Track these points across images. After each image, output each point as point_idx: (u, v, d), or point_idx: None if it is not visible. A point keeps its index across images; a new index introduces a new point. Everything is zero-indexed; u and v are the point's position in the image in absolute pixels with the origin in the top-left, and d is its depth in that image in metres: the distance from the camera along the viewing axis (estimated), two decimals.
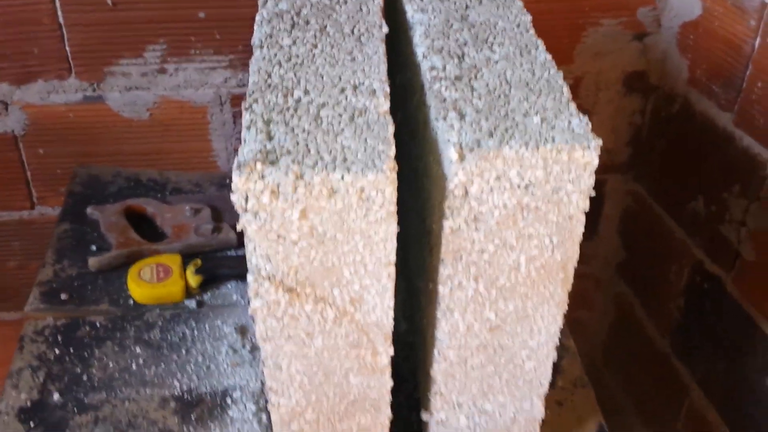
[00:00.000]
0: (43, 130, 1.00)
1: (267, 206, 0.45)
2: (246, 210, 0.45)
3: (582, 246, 1.33)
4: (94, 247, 0.87)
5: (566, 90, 0.50)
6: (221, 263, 0.84)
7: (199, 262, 0.83)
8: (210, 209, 0.90)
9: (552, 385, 0.73)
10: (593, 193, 0.47)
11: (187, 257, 0.84)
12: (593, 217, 1.20)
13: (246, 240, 0.47)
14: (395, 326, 0.78)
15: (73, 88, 0.98)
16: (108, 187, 0.96)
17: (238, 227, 0.46)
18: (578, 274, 1.34)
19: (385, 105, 0.49)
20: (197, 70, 0.97)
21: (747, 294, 0.91)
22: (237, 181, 0.43)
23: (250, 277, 0.49)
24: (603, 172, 1.15)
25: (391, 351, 0.56)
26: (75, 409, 0.70)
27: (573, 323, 1.30)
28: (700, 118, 0.96)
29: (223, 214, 0.90)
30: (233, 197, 0.44)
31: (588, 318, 1.31)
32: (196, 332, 0.78)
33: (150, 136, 1.01)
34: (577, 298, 1.28)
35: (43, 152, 1.02)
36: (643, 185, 1.13)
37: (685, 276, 1.03)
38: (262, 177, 0.43)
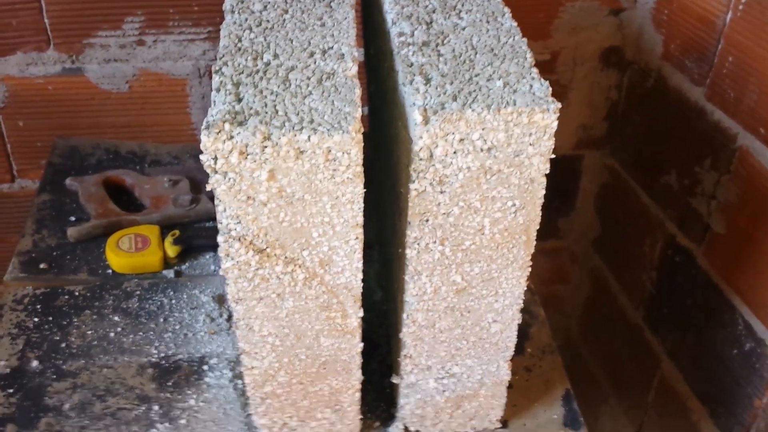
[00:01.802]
0: (23, 103, 1.00)
1: (235, 166, 0.46)
2: (215, 170, 0.46)
3: (559, 221, 1.36)
4: (73, 218, 0.88)
5: (529, 55, 0.51)
6: (199, 234, 0.85)
7: (177, 232, 0.84)
8: (188, 181, 0.90)
9: (521, 351, 0.75)
10: (553, 156, 0.48)
11: (165, 228, 0.85)
12: (570, 192, 1.21)
13: (216, 201, 0.48)
14: (371, 295, 0.80)
15: (52, 60, 0.98)
16: (87, 158, 0.97)
17: (208, 187, 0.47)
18: (555, 249, 1.37)
19: (353, 69, 0.50)
20: (176, 42, 0.97)
21: (716, 266, 0.93)
22: (205, 141, 0.44)
23: (220, 238, 0.50)
24: (580, 147, 1.16)
25: (360, 313, 0.57)
26: (54, 375, 0.71)
27: (549, 297, 1.32)
28: (674, 93, 0.98)
29: (202, 185, 0.91)
30: (202, 158, 0.45)
31: (564, 292, 1.33)
32: (173, 301, 0.79)
33: (129, 108, 1.02)
34: (554, 272, 1.31)
35: (23, 125, 1.02)
36: (618, 160, 1.15)
37: (658, 249, 1.05)
38: (231, 137, 0.44)
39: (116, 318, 0.77)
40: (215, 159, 0.45)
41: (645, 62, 1.04)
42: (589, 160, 1.18)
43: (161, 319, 0.77)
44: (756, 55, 0.82)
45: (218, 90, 0.47)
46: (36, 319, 0.77)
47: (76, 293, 0.79)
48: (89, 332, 0.76)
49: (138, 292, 0.80)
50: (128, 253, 0.81)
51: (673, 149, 1.00)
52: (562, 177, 1.19)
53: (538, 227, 0.53)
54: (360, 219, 0.50)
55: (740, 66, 0.85)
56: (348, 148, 0.46)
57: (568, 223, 1.25)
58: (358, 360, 0.61)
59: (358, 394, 0.64)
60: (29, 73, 0.98)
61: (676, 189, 1.00)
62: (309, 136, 0.45)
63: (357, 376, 0.62)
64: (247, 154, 0.45)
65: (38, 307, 0.78)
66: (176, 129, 1.04)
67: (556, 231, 1.25)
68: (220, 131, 0.44)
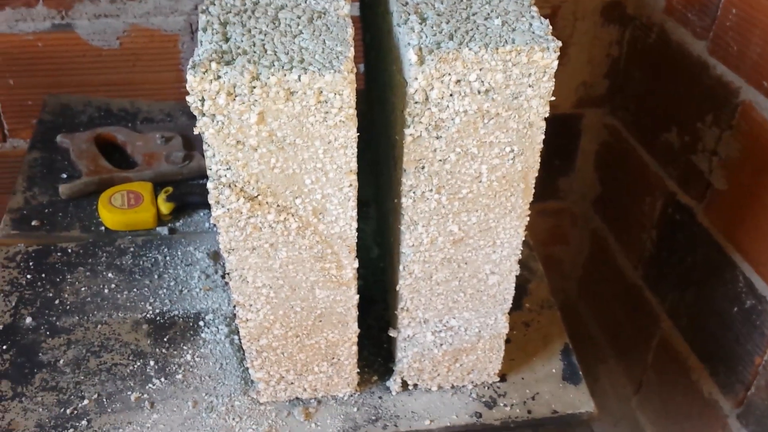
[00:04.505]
0: (13, 60, 0.98)
1: (223, 108, 0.44)
2: (202, 113, 0.44)
3: (558, 182, 1.34)
4: (64, 175, 0.86)
5: None
6: (192, 191, 0.84)
7: (170, 189, 0.82)
8: (181, 138, 0.89)
9: (519, 306, 0.75)
10: (553, 98, 0.47)
11: (158, 185, 0.84)
12: (570, 152, 1.20)
13: (204, 146, 0.47)
14: (368, 252, 0.79)
15: (42, 16, 0.96)
16: (79, 116, 0.95)
17: (196, 131, 0.45)
18: (554, 210, 1.35)
19: (346, 7, 0.48)
20: None
21: (717, 224, 0.92)
22: (191, 81, 0.43)
23: (210, 184, 0.48)
24: (580, 106, 1.14)
25: (355, 264, 0.56)
26: (47, 332, 0.71)
27: (549, 258, 1.32)
28: (676, 48, 0.96)
29: (195, 142, 0.89)
30: (189, 99, 0.44)
31: (564, 253, 1.32)
32: (168, 258, 0.79)
33: (121, 65, 0.99)
34: (554, 233, 1.30)
35: (13, 83, 1.00)
36: (619, 119, 1.13)
37: (658, 208, 1.04)
38: (218, 77, 0.43)
39: (110, 275, 0.76)
40: (202, 100, 0.44)
41: (647, 16, 1.02)
42: (589, 119, 1.16)
43: (156, 276, 0.77)
44: (760, 6, 0.80)
45: (205, 30, 0.46)
46: (29, 276, 0.76)
47: (69, 250, 0.79)
48: (83, 289, 0.75)
49: (132, 249, 0.79)
50: (121, 209, 0.80)
51: (675, 106, 0.98)
52: (562, 136, 1.17)
53: (536, 174, 0.52)
54: (354, 165, 0.49)
55: (744, 18, 0.83)
56: (340, 88, 0.44)
57: (567, 184, 1.24)
58: (354, 312, 0.60)
59: (354, 348, 0.63)
60: (18, 30, 0.96)
61: (677, 146, 0.98)
62: (299, 76, 0.43)
63: (353, 329, 0.61)
64: (236, 95, 0.43)
65: (31, 264, 0.77)
66: (168, 86, 1.02)
67: (555, 191, 1.24)
68: (206, 71, 0.43)
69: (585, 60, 1.09)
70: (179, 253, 0.79)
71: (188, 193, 0.83)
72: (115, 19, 0.96)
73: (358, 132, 0.47)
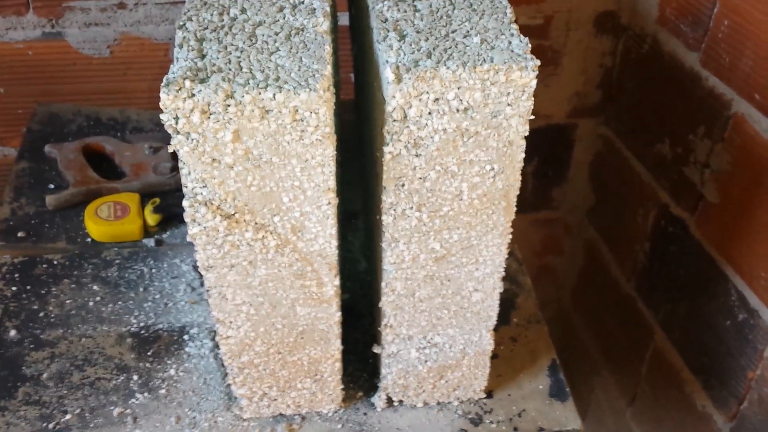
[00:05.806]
0: (3, 68, 0.98)
1: (198, 126, 0.44)
2: (177, 131, 0.44)
3: (552, 192, 1.34)
4: (51, 186, 0.86)
5: (509, 11, 0.48)
6: (180, 202, 0.83)
7: (157, 200, 0.82)
8: None
9: (507, 321, 0.74)
10: (532, 117, 0.46)
11: (145, 196, 0.83)
12: (563, 162, 1.19)
13: (180, 163, 0.46)
14: (355, 265, 0.79)
15: (32, 25, 0.95)
16: (68, 125, 0.95)
17: (170, 148, 0.45)
18: (548, 220, 1.35)
19: (324, 24, 0.47)
20: (157, 5, 0.94)
21: (710, 236, 0.91)
22: (165, 99, 0.42)
23: (185, 202, 0.48)
24: (574, 116, 1.14)
25: (337, 282, 0.56)
26: (32, 345, 0.70)
27: (543, 268, 1.31)
28: (668, 59, 0.95)
29: None
30: (163, 117, 0.43)
31: (557, 263, 1.31)
32: (154, 270, 0.78)
33: (111, 74, 0.99)
34: (547, 243, 1.29)
35: (4, 91, 1.00)
36: (612, 129, 1.12)
37: (651, 219, 1.03)
38: (192, 95, 0.42)
39: (95, 287, 0.76)
40: (176, 118, 0.43)
41: (640, 27, 1.01)
42: (583, 129, 1.16)
43: (141, 289, 0.76)
44: (753, 19, 0.80)
45: (181, 46, 0.45)
46: (14, 288, 0.75)
47: (55, 262, 0.78)
48: (68, 301, 0.74)
49: (117, 261, 0.79)
50: (107, 221, 0.79)
51: (667, 117, 0.97)
52: (556, 146, 1.17)
53: (518, 192, 0.51)
54: (332, 183, 0.48)
55: (736, 30, 0.83)
56: (316, 107, 0.43)
57: (561, 194, 1.23)
58: (336, 329, 0.59)
59: (338, 364, 0.62)
60: (9, 38, 0.96)
61: (669, 158, 0.98)
62: (274, 95, 0.43)
63: (336, 346, 0.61)
64: (210, 114, 0.43)
65: (16, 276, 0.76)
66: (159, 95, 1.01)
67: (549, 201, 1.23)
68: (180, 89, 0.42)
69: (578, 70, 1.08)
70: (165, 265, 0.79)
71: (175, 205, 0.82)
72: (105, 28, 0.96)
73: (342, 146, 0.47)
